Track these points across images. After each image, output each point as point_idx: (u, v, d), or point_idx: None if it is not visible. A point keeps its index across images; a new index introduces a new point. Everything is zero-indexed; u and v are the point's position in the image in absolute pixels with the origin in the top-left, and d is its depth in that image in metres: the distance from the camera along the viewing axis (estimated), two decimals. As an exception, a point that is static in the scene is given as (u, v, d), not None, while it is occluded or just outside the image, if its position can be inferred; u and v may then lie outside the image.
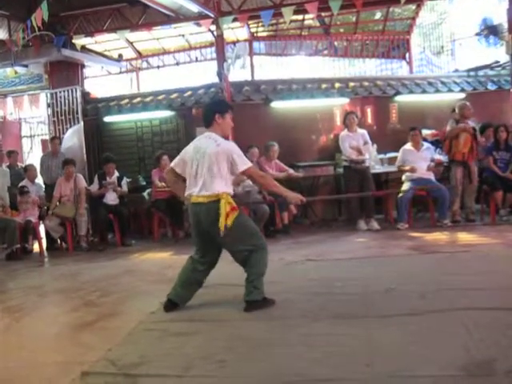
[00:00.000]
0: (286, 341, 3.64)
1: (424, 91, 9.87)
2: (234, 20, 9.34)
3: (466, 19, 17.18)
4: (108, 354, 3.56)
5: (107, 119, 10.09)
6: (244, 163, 4.32)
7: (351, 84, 10.07)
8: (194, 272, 4.50)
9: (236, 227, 4.20)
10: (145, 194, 9.13)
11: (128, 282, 5.89)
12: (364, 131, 8.50)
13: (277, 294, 4.60)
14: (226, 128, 4.49)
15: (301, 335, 3.71)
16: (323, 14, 12.14)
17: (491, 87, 9.95)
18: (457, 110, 8.33)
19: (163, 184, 8.63)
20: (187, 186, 4.40)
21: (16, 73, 10.90)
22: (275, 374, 3.10)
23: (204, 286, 4.60)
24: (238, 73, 10.37)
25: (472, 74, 10.47)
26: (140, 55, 14.84)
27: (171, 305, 4.48)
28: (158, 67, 15.59)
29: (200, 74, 14.54)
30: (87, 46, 11.17)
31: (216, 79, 9.58)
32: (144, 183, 9.46)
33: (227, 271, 4.87)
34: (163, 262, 6.86)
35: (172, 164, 4.59)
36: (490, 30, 10.82)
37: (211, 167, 4.24)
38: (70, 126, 9.62)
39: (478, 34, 11.94)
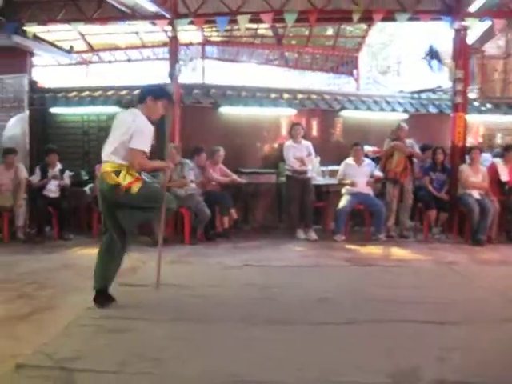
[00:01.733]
0: (222, 343, 3.73)
1: (369, 108, 10.19)
2: (190, 23, 9.37)
3: (412, 42, 17.77)
4: (43, 347, 3.55)
5: (53, 110, 9.93)
6: (136, 144, 4.34)
7: (299, 96, 10.28)
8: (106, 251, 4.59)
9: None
10: (86, 188, 9.02)
11: (65, 276, 5.84)
12: (308, 143, 8.70)
13: (215, 296, 4.70)
14: (152, 112, 4.54)
15: (237, 338, 3.82)
16: (277, 24, 12.31)
17: (433, 110, 10.37)
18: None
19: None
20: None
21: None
22: (210, 374, 3.18)
23: (143, 285, 4.65)
24: (188, 75, 10.39)
25: (415, 96, 10.87)
26: (91, 49, 14.63)
27: (102, 295, 4.53)
28: (110, 62, 15.42)
29: (151, 73, 14.48)
30: (38, 35, 10.95)
31: (166, 79, 9.58)
32: (87, 178, 9.35)
33: (168, 271, 4.93)
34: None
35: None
36: (435, 56, 11.26)
37: (123, 139, 4.35)
38: (15, 114, 9.42)
39: (423, 58, 12.38)
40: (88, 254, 7.35)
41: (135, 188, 4.34)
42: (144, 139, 4.38)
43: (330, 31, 15.63)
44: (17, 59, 9.77)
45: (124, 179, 4.31)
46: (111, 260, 4.55)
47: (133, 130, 4.33)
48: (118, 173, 4.33)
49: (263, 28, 13.76)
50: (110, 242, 4.52)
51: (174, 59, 9.34)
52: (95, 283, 4.55)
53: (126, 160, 4.35)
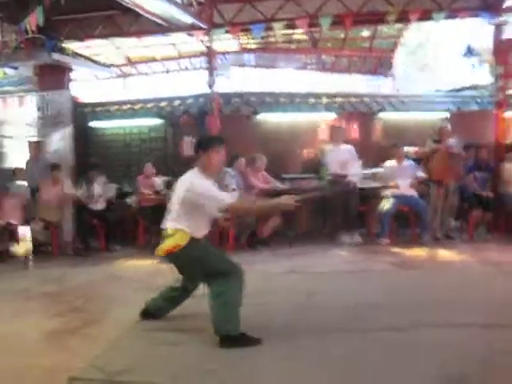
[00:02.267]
0: (272, 352, 3.72)
1: (408, 109, 10.05)
2: (226, 32, 9.43)
3: (450, 40, 17.50)
4: (95, 360, 3.62)
5: (94, 124, 10.13)
6: (219, 202, 4.16)
7: (338, 99, 10.23)
8: (175, 289, 4.56)
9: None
10: (130, 200, 9.16)
11: (113, 288, 5.95)
12: (350, 146, 8.62)
13: (261, 305, 4.70)
14: (208, 165, 4.28)
15: (288, 348, 3.80)
16: (313, 29, 12.28)
17: (474, 107, 10.16)
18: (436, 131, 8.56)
19: (148, 191, 8.72)
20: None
21: (5, 74, 10.93)
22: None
23: (193, 296, 4.68)
24: (226, 84, 10.46)
25: (455, 93, 10.68)
26: (129, 61, 14.86)
27: (147, 314, 4.58)
28: (147, 74, 15.61)
29: (189, 83, 14.61)
30: (77, 50, 11.18)
31: (205, 89, 9.66)
32: (130, 190, 9.50)
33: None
34: (147, 270, 6.91)
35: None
36: (474, 52, 11.06)
37: (178, 203, 4.24)
38: (58, 130, 9.64)
39: (463, 55, 12.17)
40: (134, 265, 7.49)
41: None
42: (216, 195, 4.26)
43: (365, 33, 15.50)
44: (56, 76, 9.97)
45: None
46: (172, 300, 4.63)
47: (196, 195, 4.19)
48: None
49: (299, 33, 13.74)
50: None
51: (211, 69, 9.41)
52: (151, 300, 4.66)
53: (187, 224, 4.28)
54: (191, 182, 4.22)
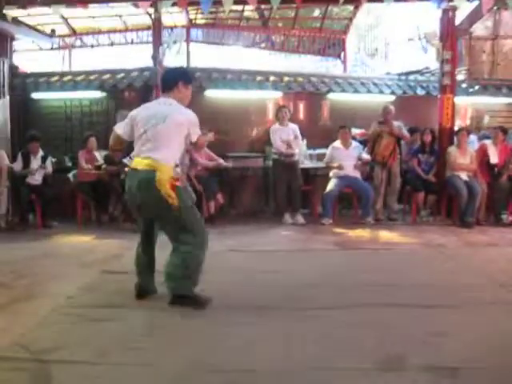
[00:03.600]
0: (204, 330, 3.65)
1: (356, 91, 10.05)
2: (173, 4, 9.16)
3: (399, 24, 17.64)
4: (20, 338, 3.44)
5: (35, 96, 9.73)
6: (196, 132, 4.26)
7: (285, 78, 10.15)
8: (140, 255, 4.35)
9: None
10: (70, 175, 8.87)
11: (46, 264, 5.69)
12: (295, 126, 8.58)
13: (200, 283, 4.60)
14: (185, 99, 4.31)
15: (220, 324, 3.73)
16: (263, 6, 12.14)
17: (420, 92, 10.25)
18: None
19: (89, 166, 8.47)
20: (135, 150, 4.19)
21: None
22: (191, 364, 3.09)
23: (126, 272, 4.53)
24: (173, 59, 10.23)
25: (403, 77, 10.75)
26: (74, 32, 14.38)
27: (142, 292, 4.33)
28: (92, 46, 15.17)
29: (135, 57, 14.25)
30: (19, 18, 10.70)
31: (151, 63, 9.40)
32: (70, 164, 9.20)
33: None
34: (84, 246, 6.72)
35: (118, 131, 4.31)
36: (422, 37, 11.16)
37: (170, 135, 4.08)
38: (-5, 100, 9.23)
39: (410, 40, 12.28)
40: (71, 241, 7.27)
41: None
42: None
43: (316, 13, 15.48)
44: (-4, 43, 9.55)
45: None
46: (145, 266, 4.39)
47: (190, 125, 4.18)
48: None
49: (249, 10, 13.58)
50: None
51: (157, 42, 9.17)
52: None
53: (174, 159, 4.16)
54: (179, 108, 4.18)
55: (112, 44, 15.01)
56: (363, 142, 9.00)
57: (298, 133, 8.49)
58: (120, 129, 4.32)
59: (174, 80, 4.29)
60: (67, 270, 5.37)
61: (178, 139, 4.16)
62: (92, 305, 4.18)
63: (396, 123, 8.56)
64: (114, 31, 14.71)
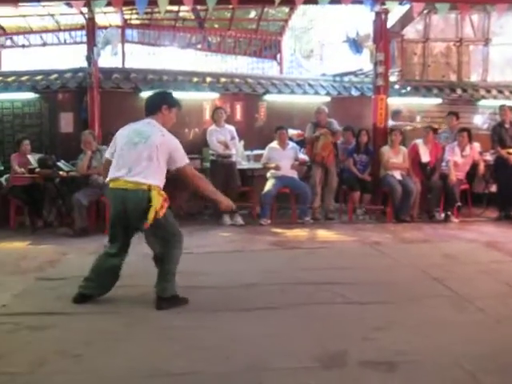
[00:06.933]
0: (145, 335, 3.64)
1: (292, 92, 10.18)
2: (108, 4, 8.98)
3: (334, 26, 17.91)
4: (-49, 349, 3.33)
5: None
6: (183, 160, 4.25)
7: (222, 79, 10.17)
8: (106, 259, 4.30)
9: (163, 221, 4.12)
10: (2, 179, 8.59)
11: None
12: (232, 127, 8.61)
13: (136, 287, 4.56)
14: (168, 121, 4.36)
15: (160, 329, 3.72)
16: (199, 7, 12.10)
17: (355, 93, 10.48)
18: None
19: (22, 170, 8.21)
20: (112, 167, 4.19)
21: None
22: (132, 369, 3.08)
23: (63, 278, 4.44)
24: (108, 59, 10.04)
25: (338, 79, 10.95)
26: (4, 32, 13.93)
27: (82, 298, 4.26)
28: (24, 46, 14.72)
29: (69, 58, 13.92)
30: None
31: (85, 64, 9.22)
32: (2, 168, 8.90)
33: (89, 262, 4.70)
34: (18, 252, 6.49)
35: (107, 155, 4.36)
36: (355, 39, 11.38)
37: (151, 155, 4.08)
38: None
39: (344, 42, 12.48)
40: (4, 248, 7.01)
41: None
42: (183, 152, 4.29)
43: (252, 14, 15.55)
44: None
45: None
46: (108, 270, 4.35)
47: (170, 148, 4.17)
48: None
49: (185, 11, 13.50)
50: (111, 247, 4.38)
51: (91, 42, 8.99)
52: (83, 283, 4.34)
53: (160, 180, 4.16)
54: (160, 130, 4.21)
55: (44, 44, 14.60)
56: (300, 143, 9.11)
57: (235, 134, 8.52)
58: (108, 153, 4.37)
59: (157, 104, 4.35)
60: (0, 278, 5.19)
61: (160, 159, 4.14)
62: (29, 312, 4.08)
63: (329, 120, 8.70)
64: (47, 31, 14.33)
